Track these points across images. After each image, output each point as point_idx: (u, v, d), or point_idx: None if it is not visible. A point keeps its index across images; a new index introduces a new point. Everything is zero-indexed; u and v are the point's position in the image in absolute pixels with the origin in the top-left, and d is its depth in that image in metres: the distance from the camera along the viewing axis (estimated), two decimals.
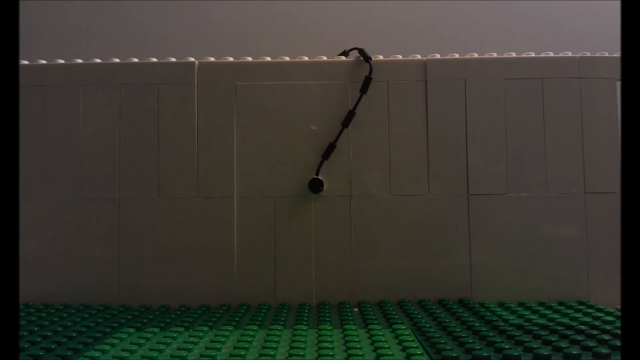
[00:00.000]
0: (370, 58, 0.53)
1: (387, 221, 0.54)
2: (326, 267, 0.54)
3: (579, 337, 0.39)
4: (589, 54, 0.55)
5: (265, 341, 0.39)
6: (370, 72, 0.53)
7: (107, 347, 0.38)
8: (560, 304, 0.51)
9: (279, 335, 0.41)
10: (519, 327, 0.42)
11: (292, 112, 0.54)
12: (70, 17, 0.68)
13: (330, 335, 0.40)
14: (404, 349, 0.37)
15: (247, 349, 0.37)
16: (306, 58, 0.55)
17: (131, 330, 0.43)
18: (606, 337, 0.39)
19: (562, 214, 0.54)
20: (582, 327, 0.42)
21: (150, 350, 0.37)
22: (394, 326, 0.43)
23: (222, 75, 0.55)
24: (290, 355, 0.35)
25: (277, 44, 0.57)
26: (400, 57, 0.56)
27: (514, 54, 0.56)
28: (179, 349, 0.37)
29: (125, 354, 0.36)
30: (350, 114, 0.53)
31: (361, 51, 0.54)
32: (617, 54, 0.55)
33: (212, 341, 0.39)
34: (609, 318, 0.45)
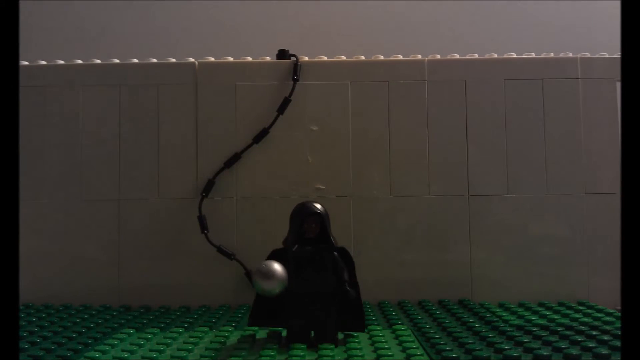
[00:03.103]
0: (298, 79, 0.53)
1: (387, 222, 0.54)
2: None
3: (579, 338, 0.39)
4: (589, 55, 0.55)
5: (265, 342, 0.39)
6: (291, 93, 0.53)
7: (107, 348, 0.38)
8: (560, 304, 0.51)
9: (279, 336, 0.40)
10: (519, 327, 0.42)
11: (292, 112, 0.54)
12: (70, 17, 0.68)
13: None
14: (404, 350, 0.37)
15: (247, 349, 0.37)
16: (306, 58, 0.55)
17: (131, 330, 0.43)
18: (606, 337, 0.39)
19: (562, 214, 0.54)
20: (582, 327, 0.42)
21: (150, 350, 0.37)
22: (394, 327, 0.43)
23: (222, 75, 0.55)
24: (290, 355, 0.35)
25: (277, 44, 0.56)
26: (400, 57, 0.56)
27: (514, 55, 0.56)
28: (179, 349, 0.37)
29: (126, 355, 0.36)
30: (264, 132, 0.53)
31: (295, 65, 0.54)
32: (617, 55, 0.55)
33: (212, 342, 0.39)
34: (609, 319, 0.45)
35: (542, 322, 0.44)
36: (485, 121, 0.54)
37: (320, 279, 0.38)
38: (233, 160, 0.53)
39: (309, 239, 0.39)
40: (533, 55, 0.56)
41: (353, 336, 0.40)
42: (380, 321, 0.45)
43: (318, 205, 0.39)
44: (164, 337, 0.40)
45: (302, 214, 0.39)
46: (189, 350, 0.37)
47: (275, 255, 0.38)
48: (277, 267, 0.36)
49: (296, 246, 0.38)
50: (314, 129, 0.54)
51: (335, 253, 0.39)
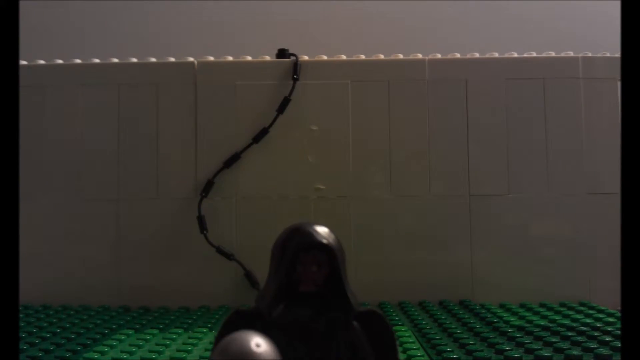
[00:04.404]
0: (297, 78, 0.52)
1: (388, 222, 0.53)
2: None
3: (581, 339, 0.38)
4: (590, 54, 0.55)
5: None
6: (291, 93, 0.53)
7: (106, 349, 0.37)
8: (562, 305, 0.51)
9: None
10: (520, 328, 0.42)
11: (291, 112, 0.54)
12: (69, 17, 0.68)
13: None
14: (404, 351, 0.37)
15: None
16: (306, 57, 0.55)
17: (130, 331, 0.42)
18: (608, 338, 0.38)
19: (564, 214, 0.54)
20: (584, 328, 0.41)
21: (150, 352, 0.37)
22: (394, 327, 0.43)
23: (221, 74, 0.54)
24: None
25: (277, 43, 0.56)
26: (401, 56, 0.56)
27: (515, 54, 0.55)
28: (178, 350, 0.37)
29: (125, 356, 0.36)
30: (264, 131, 0.53)
31: (295, 65, 0.53)
32: (619, 54, 0.55)
33: (211, 343, 0.39)
34: (611, 319, 0.45)
35: (543, 322, 0.44)
36: (486, 121, 0.54)
37: None
38: (232, 160, 0.53)
39: (306, 295, 0.21)
40: (534, 54, 0.55)
41: None
42: None
43: (322, 231, 0.22)
44: (163, 338, 0.40)
45: (295, 247, 0.21)
46: (189, 352, 0.37)
47: (238, 323, 0.22)
48: (261, 346, 0.19)
49: (280, 307, 0.21)
50: (314, 128, 0.54)
51: (355, 323, 0.21)
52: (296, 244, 0.21)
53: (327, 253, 0.21)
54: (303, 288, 0.21)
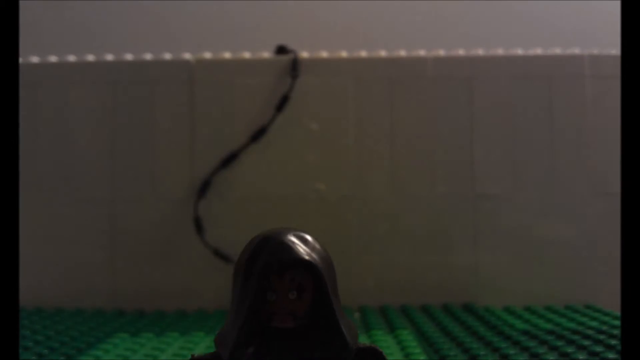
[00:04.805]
0: (297, 76, 0.52)
1: (390, 222, 0.53)
2: None
3: (586, 342, 0.38)
4: (596, 52, 0.54)
5: None
6: (290, 91, 0.52)
7: (100, 353, 0.37)
8: (567, 308, 0.50)
9: None
10: (525, 332, 0.42)
11: (291, 110, 0.53)
12: (62, 13, 0.67)
13: None
14: (406, 355, 0.36)
15: None
16: (306, 54, 0.54)
17: (125, 335, 0.42)
18: (613, 342, 0.38)
19: (570, 216, 0.53)
20: (589, 332, 0.41)
21: (145, 356, 0.36)
22: (396, 331, 0.42)
23: (218, 72, 0.54)
24: None
25: (276, 40, 0.56)
26: (403, 53, 0.55)
27: (520, 51, 0.55)
28: (174, 354, 0.36)
29: None
30: (262, 130, 0.52)
31: (293, 62, 0.52)
32: None
33: (208, 347, 0.38)
34: (617, 322, 0.44)
35: (548, 326, 0.43)
36: (490, 118, 0.54)
37: None
38: (230, 159, 0.53)
39: (283, 333, 0.17)
40: (540, 52, 0.55)
41: None
42: (382, 326, 0.44)
43: (302, 241, 0.17)
44: (159, 342, 0.40)
45: (263, 268, 0.17)
46: (185, 356, 0.36)
47: None
48: None
49: (249, 351, 0.17)
50: (314, 127, 0.53)
51: None
52: (264, 263, 0.16)
53: (313, 273, 0.16)
54: (278, 324, 0.16)
